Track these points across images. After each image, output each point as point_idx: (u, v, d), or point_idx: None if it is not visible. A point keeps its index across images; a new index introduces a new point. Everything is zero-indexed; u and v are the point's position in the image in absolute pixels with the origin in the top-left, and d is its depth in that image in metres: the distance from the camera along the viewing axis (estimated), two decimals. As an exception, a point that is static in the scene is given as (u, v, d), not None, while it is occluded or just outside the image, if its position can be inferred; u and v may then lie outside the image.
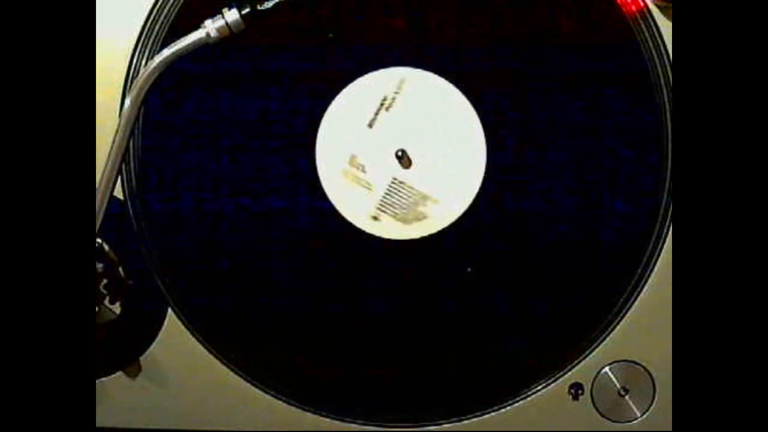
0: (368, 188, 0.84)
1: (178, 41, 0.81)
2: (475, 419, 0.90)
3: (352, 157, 0.84)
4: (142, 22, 0.84)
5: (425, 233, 0.86)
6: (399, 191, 0.85)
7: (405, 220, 0.84)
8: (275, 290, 0.88)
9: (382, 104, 0.83)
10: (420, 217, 0.84)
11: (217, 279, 0.88)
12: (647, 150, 0.85)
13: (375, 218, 0.84)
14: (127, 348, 0.89)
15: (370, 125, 0.83)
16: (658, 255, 0.86)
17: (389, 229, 0.86)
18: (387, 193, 0.85)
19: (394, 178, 0.84)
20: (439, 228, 0.86)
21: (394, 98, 0.83)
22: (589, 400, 0.89)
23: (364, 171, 0.84)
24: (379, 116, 0.83)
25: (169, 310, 0.88)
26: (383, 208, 0.84)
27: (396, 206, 0.84)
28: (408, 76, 0.84)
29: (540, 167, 0.86)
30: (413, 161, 0.85)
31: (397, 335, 0.89)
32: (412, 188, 0.84)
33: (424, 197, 0.84)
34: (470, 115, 0.85)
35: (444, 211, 0.86)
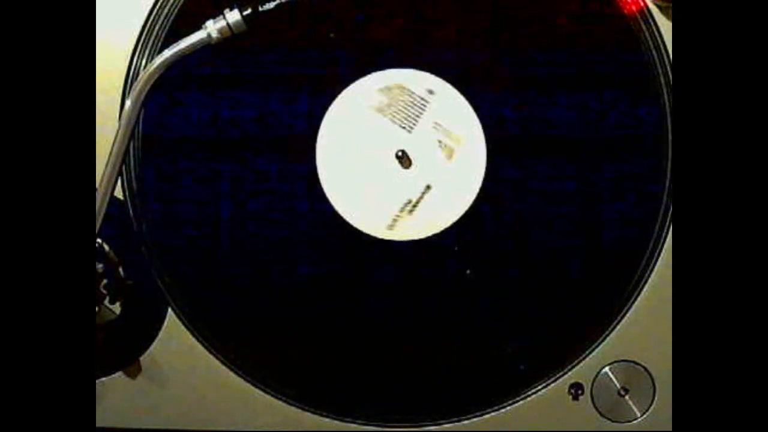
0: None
1: (179, 42, 0.81)
2: (475, 419, 0.90)
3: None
4: (142, 23, 0.84)
5: (425, 233, 0.86)
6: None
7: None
8: (275, 290, 0.88)
9: (405, 205, 0.84)
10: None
11: (217, 279, 0.88)
12: (647, 150, 0.85)
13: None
14: (127, 348, 0.89)
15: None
16: (658, 255, 0.86)
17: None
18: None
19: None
20: (440, 228, 0.86)
21: (419, 199, 0.84)
22: (589, 400, 0.89)
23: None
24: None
25: (169, 310, 0.88)
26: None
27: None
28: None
29: (540, 167, 0.86)
30: (413, 161, 0.85)
31: (397, 335, 0.89)
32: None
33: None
34: (470, 115, 0.85)
35: (444, 211, 0.86)
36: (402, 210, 0.86)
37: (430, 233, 0.86)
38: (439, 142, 0.84)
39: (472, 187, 0.85)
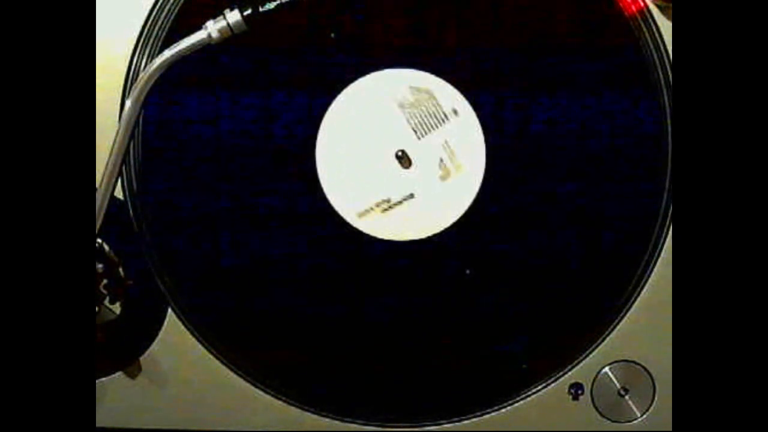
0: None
1: (179, 42, 0.81)
2: (475, 419, 0.90)
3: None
4: (142, 23, 0.85)
5: (425, 233, 0.86)
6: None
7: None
8: (275, 290, 0.88)
9: (382, 202, 0.84)
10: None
11: (216, 279, 0.88)
12: (647, 150, 0.85)
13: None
14: (127, 348, 0.89)
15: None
16: (658, 255, 0.86)
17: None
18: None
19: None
20: (439, 228, 0.86)
21: (398, 202, 0.85)
22: (589, 400, 0.89)
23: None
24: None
25: (169, 310, 0.88)
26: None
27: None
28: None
29: (539, 167, 0.86)
30: (413, 161, 0.85)
31: (397, 335, 0.89)
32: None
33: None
34: (470, 115, 0.85)
35: (444, 211, 0.86)
36: (378, 205, 0.85)
37: (429, 233, 0.86)
38: (441, 160, 0.84)
39: (472, 187, 0.85)
